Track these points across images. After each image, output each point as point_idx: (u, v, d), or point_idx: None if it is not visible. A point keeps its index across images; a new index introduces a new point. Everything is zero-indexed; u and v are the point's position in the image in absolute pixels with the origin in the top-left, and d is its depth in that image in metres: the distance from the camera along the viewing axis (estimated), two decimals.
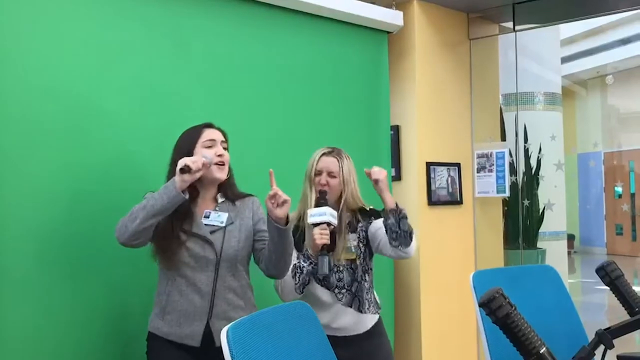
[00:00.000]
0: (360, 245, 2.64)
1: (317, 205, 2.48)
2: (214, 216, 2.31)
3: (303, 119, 3.32)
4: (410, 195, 3.90)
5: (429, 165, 3.95)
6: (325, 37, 3.47)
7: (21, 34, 2.39)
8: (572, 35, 11.21)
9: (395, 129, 3.96)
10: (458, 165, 4.16)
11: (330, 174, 2.59)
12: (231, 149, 2.41)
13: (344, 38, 3.57)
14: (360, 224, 2.66)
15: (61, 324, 2.41)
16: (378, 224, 2.62)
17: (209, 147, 2.29)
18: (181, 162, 2.12)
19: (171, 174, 2.23)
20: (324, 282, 2.58)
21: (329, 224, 2.42)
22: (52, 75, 2.45)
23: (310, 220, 2.43)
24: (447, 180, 4.07)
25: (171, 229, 2.22)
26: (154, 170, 2.51)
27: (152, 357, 2.31)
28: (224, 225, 2.29)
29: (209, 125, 2.37)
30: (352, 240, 2.61)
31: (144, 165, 2.65)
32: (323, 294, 2.59)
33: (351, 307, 2.61)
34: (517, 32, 4.46)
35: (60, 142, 2.45)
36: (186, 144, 2.30)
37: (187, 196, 2.17)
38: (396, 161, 3.95)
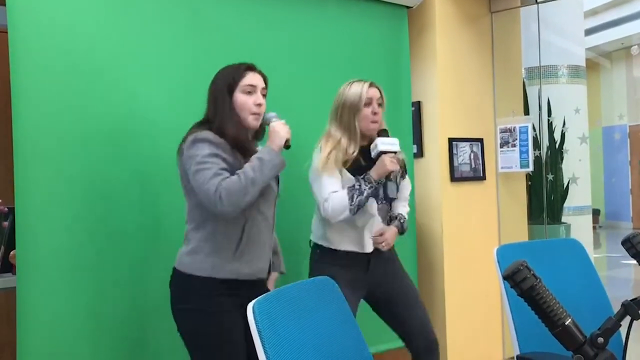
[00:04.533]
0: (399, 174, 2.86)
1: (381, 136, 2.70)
2: None
3: (323, 96, 3.30)
4: (432, 171, 3.89)
5: (451, 141, 3.93)
6: (344, 13, 3.45)
7: (41, 19, 2.41)
8: (596, 6, 11.01)
9: (417, 105, 3.93)
10: (481, 140, 4.13)
11: (379, 103, 2.74)
12: None
13: (363, 14, 3.55)
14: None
15: (86, 302, 2.47)
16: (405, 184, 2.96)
17: (249, 92, 2.25)
18: (284, 137, 2.22)
19: (215, 108, 2.23)
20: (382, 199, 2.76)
21: (395, 152, 2.66)
22: (72, 55, 2.48)
23: (382, 148, 2.62)
24: (469, 156, 4.05)
25: None
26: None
27: (215, 302, 2.18)
28: None
29: (251, 68, 2.31)
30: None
31: (166, 139, 2.66)
32: (372, 206, 2.74)
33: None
34: (540, 4, 4.39)
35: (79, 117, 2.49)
36: (225, 84, 2.25)
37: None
38: (418, 137, 3.94)
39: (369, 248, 2.74)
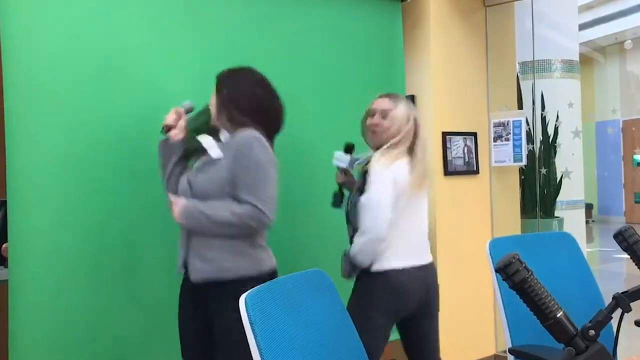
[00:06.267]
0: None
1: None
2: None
3: (317, 90, 3.30)
4: None
5: (444, 134, 3.93)
6: (338, 7, 3.44)
7: (34, 10, 2.40)
8: (590, 0, 11.01)
9: (411, 99, 3.92)
10: (474, 134, 4.13)
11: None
12: None
13: (357, 8, 3.53)
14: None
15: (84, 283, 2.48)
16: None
17: None
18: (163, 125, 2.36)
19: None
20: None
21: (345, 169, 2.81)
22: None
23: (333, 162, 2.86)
24: (463, 150, 4.05)
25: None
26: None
27: None
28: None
29: None
30: None
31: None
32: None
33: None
34: None
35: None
36: None
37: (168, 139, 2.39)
38: None
39: None
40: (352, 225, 2.61)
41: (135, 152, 2.61)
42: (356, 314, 2.32)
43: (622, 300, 1.43)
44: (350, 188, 2.74)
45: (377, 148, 2.62)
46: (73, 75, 2.48)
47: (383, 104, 2.65)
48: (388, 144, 2.58)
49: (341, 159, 2.81)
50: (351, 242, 2.60)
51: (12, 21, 2.34)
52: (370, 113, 2.67)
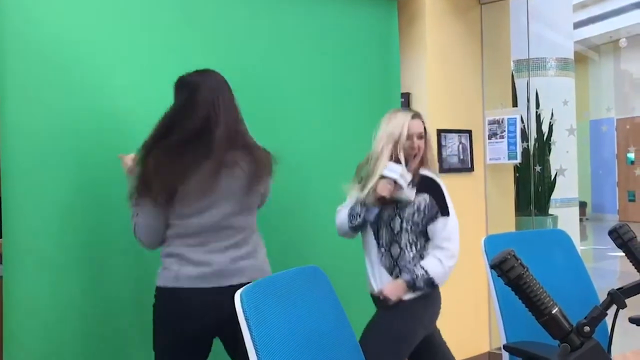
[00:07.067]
0: (415, 215, 2.54)
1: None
2: None
3: (313, 88, 3.30)
4: None
5: (439, 132, 3.93)
6: (333, 4, 3.43)
7: (25, 14, 2.39)
8: None
9: (406, 97, 3.93)
10: (469, 132, 4.13)
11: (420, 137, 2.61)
12: None
13: (353, 5, 3.53)
14: (423, 197, 2.58)
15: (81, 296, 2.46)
16: (437, 228, 2.57)
17: None
18: None
19: None
20: (377, 236, 2.56)
21: (396, 182, 2.47)
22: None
23: (384, 172, 2.48)
24: (458, 147, 4.06)
25: None
26: None
27: None
28: None
29: None
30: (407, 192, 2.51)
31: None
32: (373, 248, 2.58)
33: (391, 274, 2.52)
34: None
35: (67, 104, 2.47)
36: None
37: None
38: None
39: (374, 288, 2.58)
40: (394, 243, 2.53)
41: (133, 150, 2.60)
42: (402, 330, 2.49)
43: (617, 297, 1.44)
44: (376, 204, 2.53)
45: (414, 171, 2.59)
46: (69, 75, 2.47)
47: (420, 126, 2.60)
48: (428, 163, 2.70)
49: (404, 175, 2.49)
50: (388, 259, 2.54)
51: (8, 23, 2.33)
52: (409, 137, 2.56)
